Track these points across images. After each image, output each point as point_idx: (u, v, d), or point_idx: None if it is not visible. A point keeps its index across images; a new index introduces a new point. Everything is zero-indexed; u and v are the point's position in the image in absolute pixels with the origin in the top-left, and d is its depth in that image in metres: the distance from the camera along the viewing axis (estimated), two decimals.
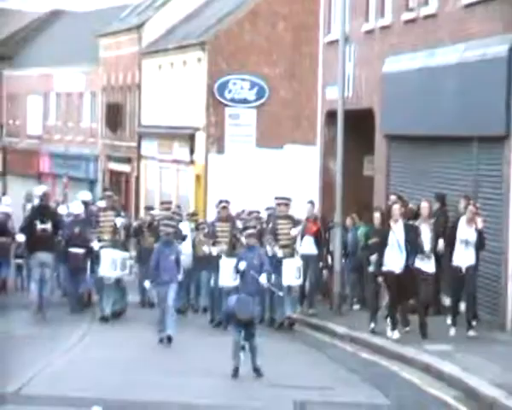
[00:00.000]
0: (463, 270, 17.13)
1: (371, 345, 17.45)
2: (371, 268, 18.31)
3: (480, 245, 17.15)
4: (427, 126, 21.11)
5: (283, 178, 30.93)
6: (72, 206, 23.85)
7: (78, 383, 13.32)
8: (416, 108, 21.49)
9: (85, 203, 23.01)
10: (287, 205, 20.53)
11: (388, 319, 17.72)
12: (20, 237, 22.08)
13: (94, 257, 21.29)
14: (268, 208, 22.58)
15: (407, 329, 17.89)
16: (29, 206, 29.08)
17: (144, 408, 11.93)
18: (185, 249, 21.07)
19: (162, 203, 24.16)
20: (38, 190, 24.97)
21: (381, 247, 17.53)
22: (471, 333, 17.06)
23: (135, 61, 43.31)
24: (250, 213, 22.71)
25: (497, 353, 15.52)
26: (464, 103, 19.36)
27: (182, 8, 42.49)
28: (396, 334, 17.39)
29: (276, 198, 21.30)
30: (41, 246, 20.43)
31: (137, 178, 43.27)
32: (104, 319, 20.32)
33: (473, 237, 17.04)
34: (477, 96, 18.92)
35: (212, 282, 20.69)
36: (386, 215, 18.03)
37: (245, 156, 34.62)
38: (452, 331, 17.32)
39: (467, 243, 17.03)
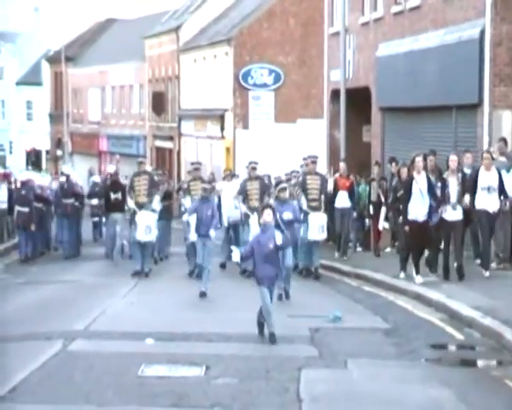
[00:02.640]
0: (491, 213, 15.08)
1: (372, 280, 17.27)
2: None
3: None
4: (414, 99, 20.97)
5: (297, 146, 30.76)
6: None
7: (134, 321, 13.25)
8: (405, 84, 21.32)
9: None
10: (314, 163, 18.46)
11: (413, 266, 15.55)
12: (94, 201, 25.85)
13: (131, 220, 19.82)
14: (302, 166, 20.47)
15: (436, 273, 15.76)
16: (92, 178, 29.26)
17: (188, 338, 11.84)
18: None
19: (192, 164, 22.52)
20: (110, 168, 25.63)
21: (407, 197, 15.28)
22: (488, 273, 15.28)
23: (174, 56, 43.16)
24: (292, 171, 21.09)
25: (475, 282, 15.22)
26: (444, 78, 19.22)
27: (211, 11, 42.52)
28: (419, 278, 15.35)
29: (305, 158, 19.38)
30: (115, 209, 22.06)
31: (178, 152, 43.27)
32: (136, 274, 18.80)
33: (495, 181, 15.13)
34: (455, 72, 18.79)
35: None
36: (411, 168, 15.69)
37: (265, 130, 34.53)
38: (487, 273, 15.32)
39: (489, 188, 15.16)
